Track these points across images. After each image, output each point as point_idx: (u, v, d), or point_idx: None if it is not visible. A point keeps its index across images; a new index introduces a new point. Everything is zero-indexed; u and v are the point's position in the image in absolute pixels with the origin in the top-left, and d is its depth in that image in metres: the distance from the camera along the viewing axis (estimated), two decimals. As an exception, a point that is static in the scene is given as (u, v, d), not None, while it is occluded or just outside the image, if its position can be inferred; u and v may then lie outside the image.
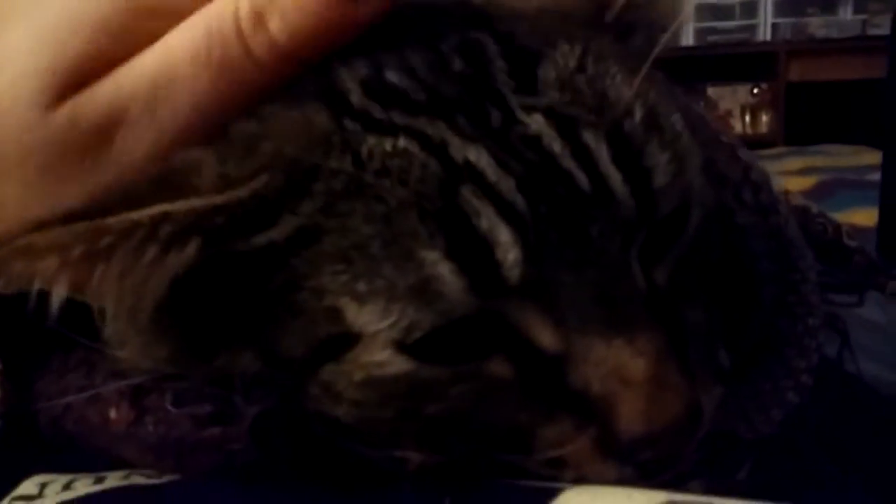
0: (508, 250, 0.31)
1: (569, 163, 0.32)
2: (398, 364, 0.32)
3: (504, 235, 0.31)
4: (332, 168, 0.32)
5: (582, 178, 0.32)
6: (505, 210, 0.31)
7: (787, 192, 0.66)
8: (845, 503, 0.27)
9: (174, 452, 0.36)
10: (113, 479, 0.36)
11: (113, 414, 0.37)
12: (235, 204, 0.32)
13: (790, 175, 1.87)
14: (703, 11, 3.42)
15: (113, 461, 0.38)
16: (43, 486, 0.37)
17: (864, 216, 1.35)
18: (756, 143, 3.06)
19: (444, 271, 0.31)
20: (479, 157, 0.32)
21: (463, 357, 0.33)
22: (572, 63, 0.34)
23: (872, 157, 1.61)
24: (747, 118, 3.60)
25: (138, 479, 0.36)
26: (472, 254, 0.31)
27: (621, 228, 0.33)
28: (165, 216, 0.32)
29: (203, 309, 0.34)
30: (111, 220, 0.31)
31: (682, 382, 0.33)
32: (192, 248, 0.32)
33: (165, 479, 0.36)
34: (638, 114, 0.34)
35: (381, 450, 0.34)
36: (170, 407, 0.35)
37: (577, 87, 0.33)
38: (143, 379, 0.36)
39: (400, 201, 0.31)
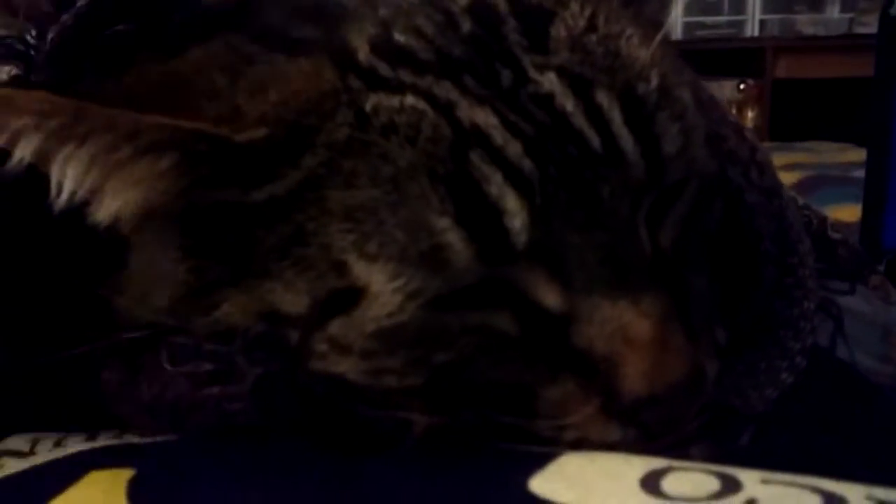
0: (516, 216, 0.31)
1: (581, 122, 0.32)
2: (409, 313, 0.32)
3: (512, 202, 0.31)
4: (335, 122, 0.32)
5: (594, 138, 0.32)
6: (512, 175, 0.31)
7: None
8: (848, 470, 0.27)
9: (170, 412, 0.35)
10: (105, 438, 0.36)
11: (105, 374, 0.36)
12: (227, 145, 0.32)
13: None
14: (692, 6, 3.41)
15: (106, 419, 0.37)
16: (34, 442, 0.36)
17: (848, 212, 1.35)
18: (741, 138, 3.07)
19: (454, 239, 0.31)
20: (486, 119, 0.31)
21: (471, 307, 0.32)
22: (582, 22, 0.34)
23: (857, 154, 1.62)
24: (733, 113, 3.60)
25: (132, 438, 0.36)
26: (481, 220, 0.31)
27: (631, 190, 0.33)
28: (149, 128, 0.31)
29: (207, 251, 0.34)
30: (95, 109, 0.31)
31: (685, 345, 0.33)
32: (165, 163, 0.32)
33: (161, 438, 0.36)
34: (654, 80, 0.34)
35: (386, 411, 0.34)
36: (166, 365, 0.35)
37: (587, 46, 0.33)
38: (138, 334, 0.36)
39: (409, 163, 0.31)
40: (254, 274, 0.34)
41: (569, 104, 0.32)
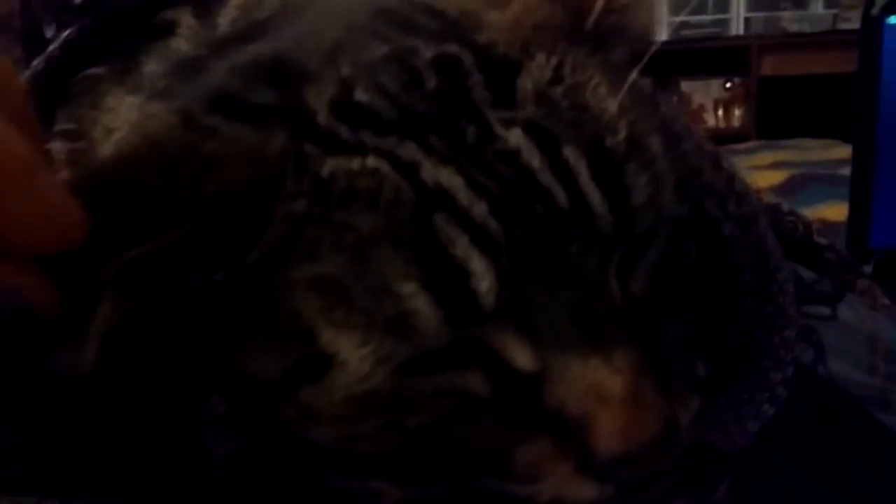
0: (482, 278, 0.30)
1: (547, 178, 0.31)
2: (379, 379, 0.31)
3: (478, 264, 0.30)
4: (290, 192, 0.31)
5: (560, 195, 0.31)
6: (478, 236, 0.30)
7: (758, 191, 0.66)
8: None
9: None
10: (81, 502, 0.36)
11: None
12: (169, 247, 0.30)
13: (762, 169, 1.87)
14: (676, 6, 3.42)
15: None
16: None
17: (835, 211, 1.35)
18: (729, 137, 3.07)
19: (421, 304, 0.30)
20: (451, 180, 0.31)
21: (441, 369, 0.32)
22: (548, 74, 0.33)
23: (844, 151, 1.62)
24: (720, 112, 3.62)
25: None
26: (448, 283, 0.30)
27: (599, 245, 0.32)
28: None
29: (164, 355, 0.33)
30: None
31: (659, 399, 0.32)
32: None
33: None
34: (621, 132, 0.33)
35: (358, 481, 0.33)
36: None
37: (553, 99, 0.32)
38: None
39: (371, 229, 0.30)
40: (223, 344, 0.32)
41: (535, 160, 0.31)
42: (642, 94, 0.36)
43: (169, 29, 0.40)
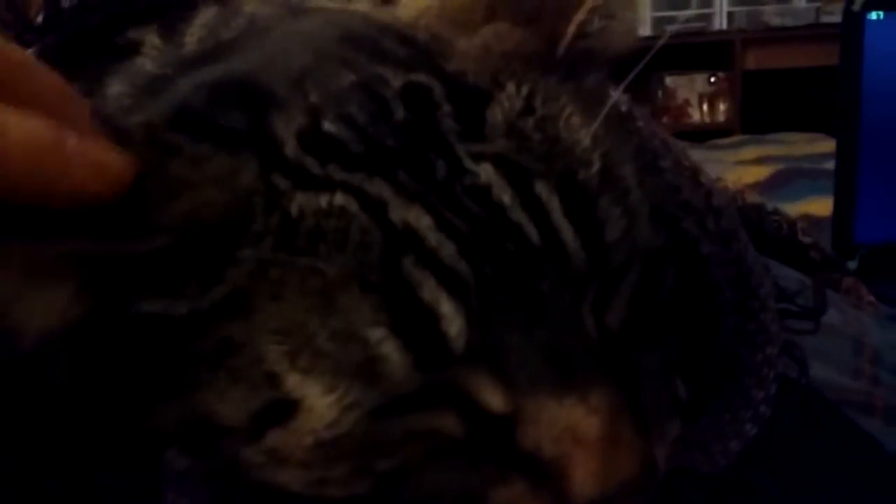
0: (452, 321, 0.29)
1: (518, 215, 0.30)
2: (348, 425, 0.30)
3: (447, 306, 0.29)
4: (256, 231, 0.30)
5: (532, 232, 0.30)
6: (446, 278, 0.29)
7: (742, 190, 0.66)
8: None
9: None
10: None
11: None
12: (129, 259, 0.29)
13: (747, 164, 1.87)
14: (660, 1, 3.42)
15: None
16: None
17: (820, 206, 1.36)
18: (714, 131, 3.08)
19: (389, 349, 0.29)
20: (419, 220, 0.30)
21: (413, 410, 0.31)
22: (519, 104, 0.32)
23: (828, 145, 1.62)
24: (705, 107, 3.62)
25: None
26: (417, 327, 0.29)
27: (572, 283, 0.31)
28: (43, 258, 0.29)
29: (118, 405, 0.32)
30: None
31: (636, 438, 0.31)
32: (65, 292, 0.30)
33: None
34: (595, 164, 0.32)
35: None
36: None
37: (524, 132, 0.31)
38: None
39: (338, 273, 0.29)
40: (186, 384, 0.32)
41: (506, 197, 0.30)
42: (617, 118, 0.36)
43: (134, 49, 0.39)
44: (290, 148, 0.31)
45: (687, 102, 3.62)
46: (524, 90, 0.32)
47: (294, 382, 0.30)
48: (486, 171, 0.30)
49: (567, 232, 0.31)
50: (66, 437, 0.35)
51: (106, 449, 0.33)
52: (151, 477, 0.33)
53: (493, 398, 0.31)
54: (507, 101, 0.32)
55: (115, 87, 0.37)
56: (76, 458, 0.35)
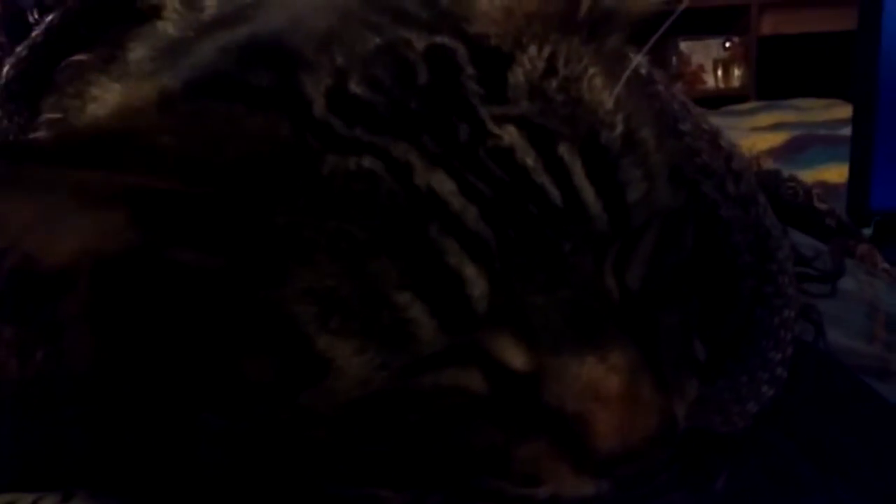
0: (475, 284, 0.30)
1: (541, 177, 0.31)
2: (377, 384, 0.31)
3: (470, 270, 0.30)
4: (290, 191, 0.30)
5: (555, 194, 0.31)
6: (470, 242, 0.30)
7: (757, 157, 0.66)
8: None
9: None
10: (80, 498, 0.36)
11: None
12: (178, 200, 0.30)
13: (762, 131, 1.86)
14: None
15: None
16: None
17: (836, 173, 1.35)
18: (728, 97, 3.05)
19: (417, 313, 0.30)
20: (442, 184, 0.30)
21: (440, 367, 0.32)
22: (541, 66, 0.32)
23: (845, 111, 1.60)
24: (719, 72, 3.59)
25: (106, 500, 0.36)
26: (442, 290, 0.30)
27: (594, 244, 0.31)
28: (95, 184, 0.30)
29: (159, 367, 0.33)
30: (35, 169, 0.29)
31: (656, 395, 0.32)
32: (114, 219, 0.31)
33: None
34: (618, 127, 0.32)
35: (357, 488, 0.33)
36: None
37: (547, 93, 0.32)
38: None
39: (367, 238, 0.29)
40: (218, 342, 0.32)
41: (529, 159, 0.30)
42: (638, 80, 0.36)
43: (155, 13, 0.39)
44: (319, 108, 0.31)
45: (701, 68, 3.59)
46: (546, 52, 0.33)
47: (324, 343, 0.30)
48: (508, 134, 0.31)
49: (589, 194, 0.31)
50: (90, 395, 0.36)
51: (141, 398, 0.34)
52: (186, 434, 0.34)
53: (517, 358, 0.32)
54: (529, 63, 0.32)
55: (138, 52, 0.38)
56: (101, 418, 0.36)
